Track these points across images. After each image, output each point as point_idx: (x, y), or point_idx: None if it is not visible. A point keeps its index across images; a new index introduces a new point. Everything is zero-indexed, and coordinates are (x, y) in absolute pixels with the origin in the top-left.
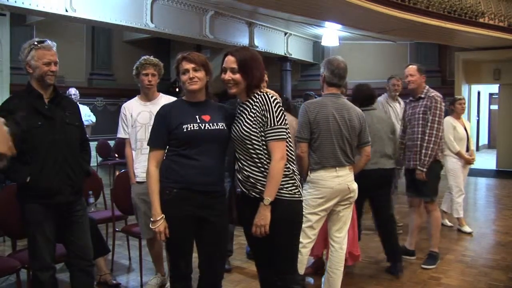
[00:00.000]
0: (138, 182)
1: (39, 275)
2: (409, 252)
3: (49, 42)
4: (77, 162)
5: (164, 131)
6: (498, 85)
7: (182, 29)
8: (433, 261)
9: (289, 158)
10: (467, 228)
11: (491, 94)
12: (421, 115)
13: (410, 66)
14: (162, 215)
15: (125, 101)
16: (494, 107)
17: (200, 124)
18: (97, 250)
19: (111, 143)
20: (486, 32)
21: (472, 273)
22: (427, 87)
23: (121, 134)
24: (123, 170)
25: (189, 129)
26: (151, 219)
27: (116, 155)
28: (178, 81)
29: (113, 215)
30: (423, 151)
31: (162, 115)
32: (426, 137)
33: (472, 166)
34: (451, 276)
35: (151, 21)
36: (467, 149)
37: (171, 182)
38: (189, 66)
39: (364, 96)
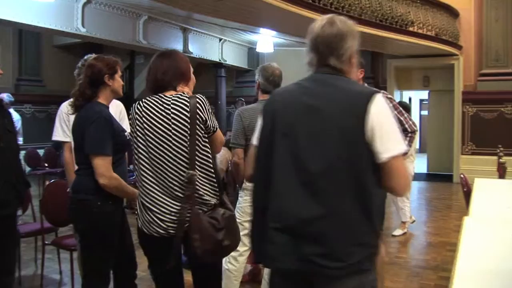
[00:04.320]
0: None
1: None
2: None
3: None
4: (20, 171)
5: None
6: (427, 91)
7: (115, 34)
8: None
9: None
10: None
11: (421, 100)
12: None
13: None
14: None
15: (55, 108)
16: (425, 112)
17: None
18: None
19: (40, 152)
20: (416, 41)
21: (404, 274)
22: (365, 85)
23: (59, 136)
24: (53, 180)
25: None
26: None
27: (46, 165)
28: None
29: (42, 227)
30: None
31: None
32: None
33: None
34: (385, 278)
35: (82, 25)
36: None
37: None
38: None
39: None
